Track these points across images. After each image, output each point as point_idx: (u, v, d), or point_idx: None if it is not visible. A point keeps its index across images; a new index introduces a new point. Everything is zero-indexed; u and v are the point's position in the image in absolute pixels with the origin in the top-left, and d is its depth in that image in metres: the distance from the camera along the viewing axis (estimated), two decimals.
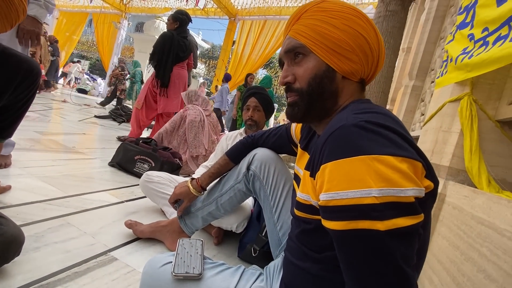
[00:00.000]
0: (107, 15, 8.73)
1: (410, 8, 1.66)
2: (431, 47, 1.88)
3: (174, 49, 2.44)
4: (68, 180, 1.39)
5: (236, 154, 0.93)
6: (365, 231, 0.35)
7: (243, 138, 0.95)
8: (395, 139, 0.38)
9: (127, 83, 6.06)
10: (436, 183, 0.41)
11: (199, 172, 1.42)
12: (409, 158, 0.36)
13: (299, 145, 0.69)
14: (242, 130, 1.56)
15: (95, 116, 4.22)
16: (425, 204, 0.40)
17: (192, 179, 0.94)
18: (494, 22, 0.73)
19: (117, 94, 6.13)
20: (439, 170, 0.91)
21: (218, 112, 5.89)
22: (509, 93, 0.82)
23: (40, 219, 0.95)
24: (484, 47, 0.76)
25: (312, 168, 0.47)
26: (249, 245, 0.99)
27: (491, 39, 0.74)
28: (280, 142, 0.87)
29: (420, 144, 1.12)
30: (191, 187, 0.91)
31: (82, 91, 9.31)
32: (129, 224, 1.00)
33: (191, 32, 3.32)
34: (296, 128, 0.80)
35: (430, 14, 1.87)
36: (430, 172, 0.40)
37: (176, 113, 2.36)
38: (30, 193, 1.13)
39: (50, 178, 1.34)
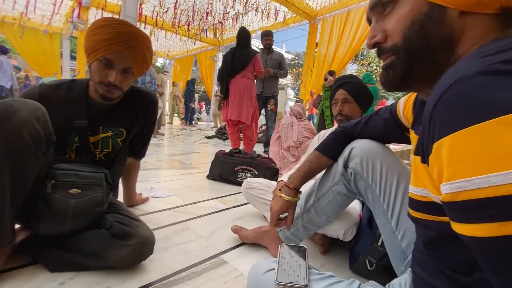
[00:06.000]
0: (207, 52, 10.32)
1: None
2: None
3: (229, 62, 2.67)
4: (187, 190, 1.63)
5: (328, 147, 0.79)
6: None
7: (334, 130, 0.81)
8: None
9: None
10: None
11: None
12: None
13: (412, 131, 0.52)
14: (334, 128, 1.41)
15: (206, 137, 4.95)
16: None
17: (281, 188, 0.79)
18: None
19: None
20: None
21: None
22: None
23: (168, 224, 1.13)
24: None
25: (423, 150, 0.33)
26: (362, 257, 0.84)
27: None
28: (384, 129, 0.69)
29: None
30: (285, 196, 0.76)
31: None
32: (234, 230, 1.04)
33: (275, 48, 3.47)
34: (405, 109, 0.62)
35: None
36: None
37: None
38: (161, 202, 1.38)
39: (175, 190, 1.60)
